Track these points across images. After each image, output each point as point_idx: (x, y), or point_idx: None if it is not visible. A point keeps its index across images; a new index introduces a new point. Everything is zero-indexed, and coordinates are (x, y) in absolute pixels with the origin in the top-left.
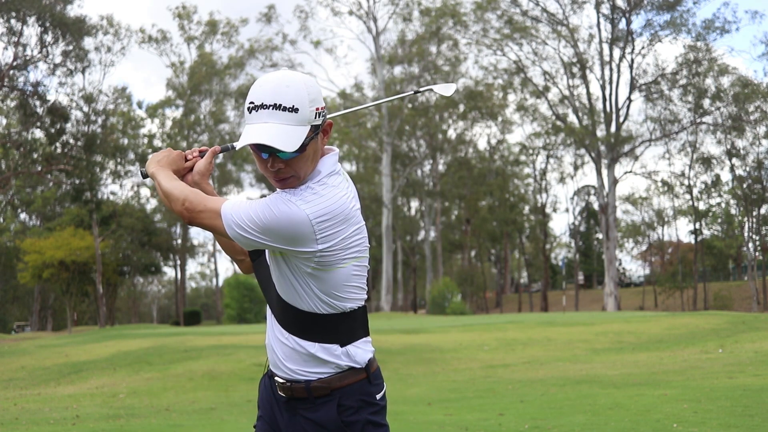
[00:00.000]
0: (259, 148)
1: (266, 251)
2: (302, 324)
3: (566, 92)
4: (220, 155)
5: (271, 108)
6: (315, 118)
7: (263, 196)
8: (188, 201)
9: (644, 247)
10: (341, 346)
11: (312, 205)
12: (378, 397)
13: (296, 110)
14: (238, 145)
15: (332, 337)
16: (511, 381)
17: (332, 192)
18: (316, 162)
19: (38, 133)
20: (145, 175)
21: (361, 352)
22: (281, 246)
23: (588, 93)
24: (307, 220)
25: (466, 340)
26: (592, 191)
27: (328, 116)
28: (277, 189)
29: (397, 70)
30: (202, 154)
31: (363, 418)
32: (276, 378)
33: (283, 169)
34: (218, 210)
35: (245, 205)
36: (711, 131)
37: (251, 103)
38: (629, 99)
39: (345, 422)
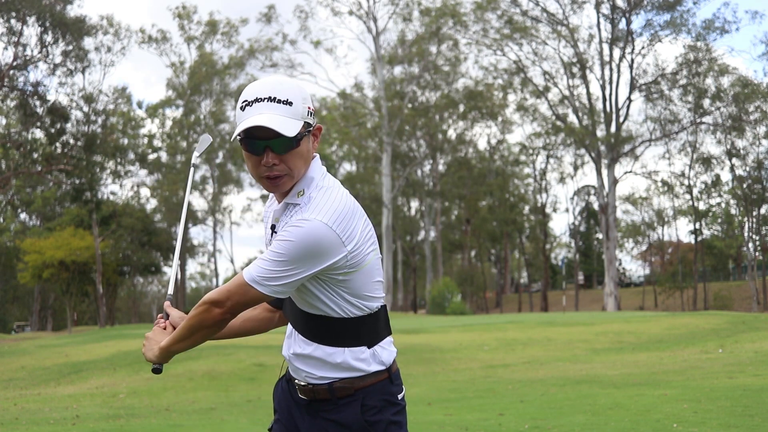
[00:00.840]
0: (251, 147)
1: None
2: (328, 331)
3: (566, 92)
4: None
5: (266, 100)
6: (307, 115)
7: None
8: (211, 308)
9: (644, 247)
10: (368, 347)
11: (323, 212)
12: (399, 397)
13: (290, 103)
14: (237, 129)
15: (359, 340)
16: (511, 381)
17: (334, 192)
18: (308, 165)
19: (38, 133)
20: (158, 370)
21: (386, 353)
22: (318, 268)
23: (588, 93)
24: (326, 228)
25: (466, 340)
26: (592, 191)
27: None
28: (270, 191)
29: (397, 70)
30: (166, 315)
31: (386, 418)
32: (297, 381)
33: (277, 166)
34: (242, 283)
35: (261, 258)
36: (711, 131)
37: (244, 101)
38: (629, 99)
39: (368, 422)
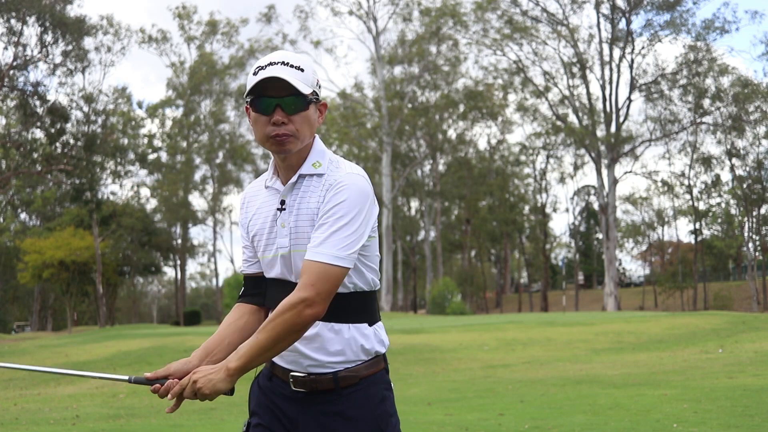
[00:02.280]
0: (262, 106)
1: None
2: (335, 306)
3: (566, 92)
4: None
5: (279, 64)
6: (316, 86)
7: None
8: (303, 309)
9: (644, 247)
10: (369, 325)
11: (355, 169)
12: (392, 386)
13: (302, 70)
14: (246, 90)
15: (363, 315)
16: (511, 381)
17: (349, 162)
18: (313, 135)
19: (38, 133)
20: (233, 392)
21: (384, 333)
22: (374, 220)
23: (588, 93)
24: (366, 180)
25: (466, 340)
26: (592, 191)
27: None
28: (276, 153)
29: (397, 70)
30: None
31: (388, 409)
32: (293, 373)
33: (285, 125)
34: (324, 268)
35: (323, 234)
36: (711, 131)
37: (258, 66)
38: (629, 99)
39: (377, 415)
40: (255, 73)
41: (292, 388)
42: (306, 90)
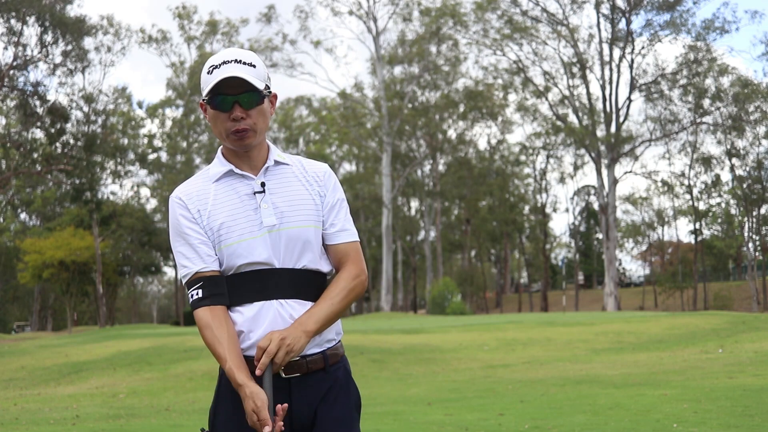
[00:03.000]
0: (220, 103)
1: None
2: (319, 289)
3: (566, 92)
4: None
5: (233, 62)
6: (267, 79)
7: None
8: (364, 278)
9: (644, 247)
10: None
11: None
12: None
13: (254, 66)
14: (204, 91)
15: None
16: (511, 381)
17: None
18: (267, 127)
19: (38, 133)
20: None
21: None
22: None
23: (588, 93)
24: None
25: (466, 340)
26: (592, 191)
27: None
28: (237, 147)
29: (397, 70)
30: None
31: (357, 391)
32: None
33: (244, 120)
34: (357, 244)
35: (337, 214)
36: (711, 131)
37: (212, 66)
38: (629, 99)
39: (354, 388)
40: (209, 72)
41: (283, 376)
42: (260, 85)
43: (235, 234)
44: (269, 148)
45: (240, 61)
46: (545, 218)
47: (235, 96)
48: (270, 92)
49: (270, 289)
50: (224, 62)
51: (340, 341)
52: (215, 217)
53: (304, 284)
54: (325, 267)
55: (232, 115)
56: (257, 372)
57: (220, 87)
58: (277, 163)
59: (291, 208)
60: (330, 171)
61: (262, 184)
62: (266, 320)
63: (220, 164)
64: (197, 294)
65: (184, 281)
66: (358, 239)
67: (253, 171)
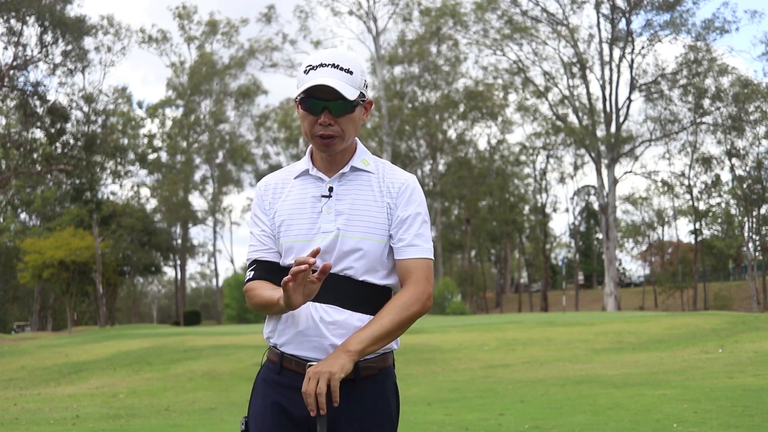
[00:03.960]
0: (310, 106)
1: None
2: (363, 298)
3: (566, 92)
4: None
5: (330, 66)
6: (363, 86)
7: None
8: (428, 300)
9: (644, 247)
10: None
11: (401, 169)
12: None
13: (351, 72)
14: (298, 90)
15: (378, 310)
16: (511, 381)
17: None
18: (358, 131)
19: (38, 133)
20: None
21: None
22: None
23: (588, 93)
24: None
25: (466, 340)
26: (592, 191)
27: None
28: (321, 151)
29: (397, 70)
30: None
31: (397, 404)
32: (312, 363)
33: (332, 126)
34: (430, 263)
35: (415, 230)
36: (711, 131)
37: (309, 65)
38: (629, 99)
39: (390, 407)
40: (306, 72)
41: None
42: (353, 95)
43: (292, 233)
44: (354, 152)
45: (337, 65)
46: (545, 218)
47: (327, 102)
48: (364, 100)
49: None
50: (321, 65)
51: (382, 354)
52: (280, 213)
53: (344, 292)
54: (379, 280)
55: (320, 119)
56: (312, 413)
57: (313, 90)
58: (354, 169)
59: (353, 217)
60: (410, 183)
61: (330, 189)
62: (299, 320)
63: (304, 162)
64: (249, 275)
65: (247, 264)
66: (430, 257)
67: (329, 174)
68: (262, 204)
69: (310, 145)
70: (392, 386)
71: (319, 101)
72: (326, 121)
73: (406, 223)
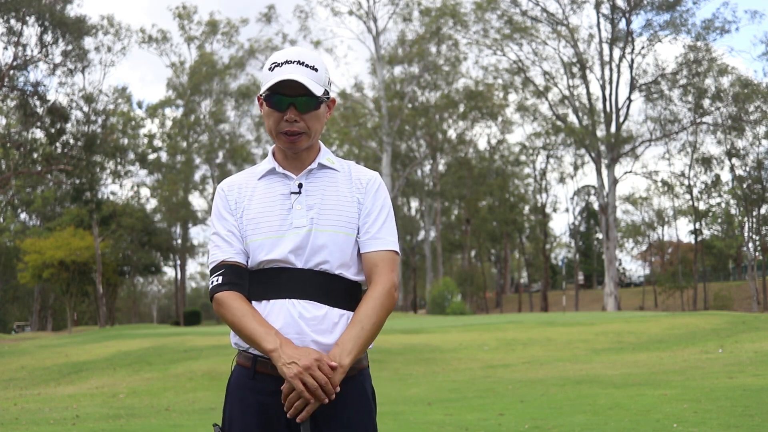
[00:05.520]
0: (276, 102)
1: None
2: (348, 293)
3: (566, 92)
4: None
5: (295, 63)
6: (328, 84)
7: None
8: (395, 293)
9: (644, 247)
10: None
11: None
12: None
13: (316, 69)
14: (263, 87)
15: (353, 305)
16: (511, 381)
17: None
18: (322, 131)
19: (38, 133)
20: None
21: None
22: None
23: (588, 93)
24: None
25: (466, 340)
26: (592, 191)
27: None
28: (287, 149)
29: (397, 70)
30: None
31: (374, 406)
32: None
33: (297, 123)
34: (395, 256)
35: (380, 224)
36: (711, 131)
37: (274, 63)
38: (629, 99)
39: (369, 408)
40: (271, 69)
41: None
42: (319, 91)
43: (263, 230)
44: (319, 151)
45: (302, 62)
46: (545, 218)
47: (292, 98)
48: (328, 98)
49: (284, 288)
50: (287, 62)
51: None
52: (249, 212)
53: (321, 287)
54: (352, 274)
55: (286, 116)
56: (298, 419)
57: (279, 86)
58: (322, 166)
59: (324, 212)
60: (376, 179)
61: (300, 186)
62: (278, 317)
63: (267, 162)
64: (216, 280)
65: (209, 268)
66: (396, 249)
67: (295, 172)
68: (227, 204)
69: (272, 146)
70: (370, 387)
71: (285, 97)
72: (292, 117)
73: (372, 216)
